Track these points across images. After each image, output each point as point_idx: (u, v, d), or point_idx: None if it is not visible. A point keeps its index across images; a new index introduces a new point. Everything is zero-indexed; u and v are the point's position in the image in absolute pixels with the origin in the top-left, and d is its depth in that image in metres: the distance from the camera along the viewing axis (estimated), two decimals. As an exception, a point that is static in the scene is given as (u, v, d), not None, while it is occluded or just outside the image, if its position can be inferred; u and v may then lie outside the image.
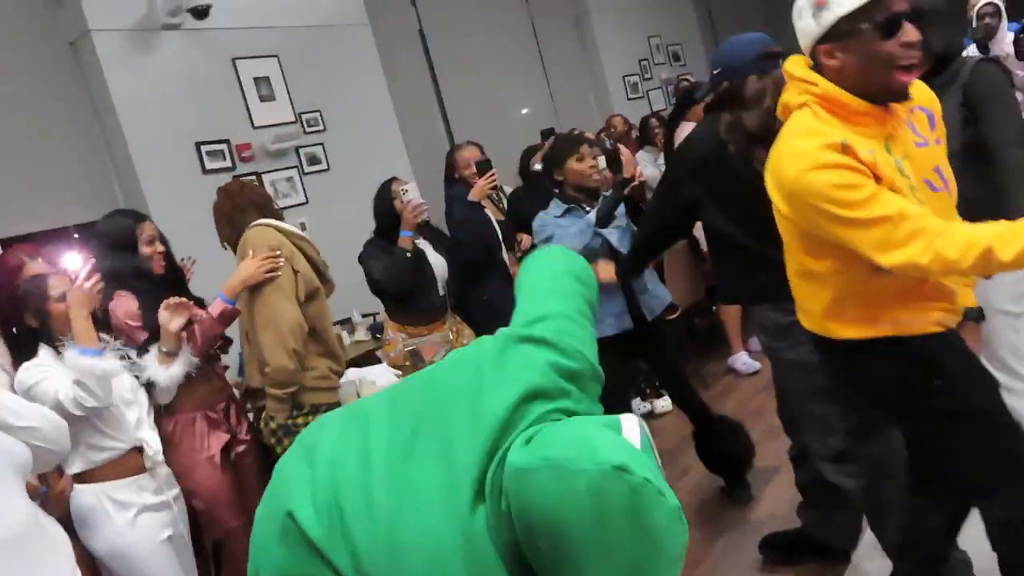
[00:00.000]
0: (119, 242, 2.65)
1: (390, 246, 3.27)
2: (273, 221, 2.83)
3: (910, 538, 1.97)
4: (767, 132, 1.91)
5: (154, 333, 2.56)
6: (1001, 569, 1.83)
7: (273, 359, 2.63)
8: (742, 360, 4.66)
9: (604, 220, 3.04)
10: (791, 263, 1.83)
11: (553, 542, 0.98)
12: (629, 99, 7.93)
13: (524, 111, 7.41)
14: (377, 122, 5.60)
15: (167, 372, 2.54)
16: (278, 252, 2.69)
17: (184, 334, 2.57)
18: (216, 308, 2.67)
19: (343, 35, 5.52)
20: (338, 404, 2.71)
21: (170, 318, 2.54)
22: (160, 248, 2.72)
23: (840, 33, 1.59)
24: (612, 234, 3.05)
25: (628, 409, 3.11)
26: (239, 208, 2.85)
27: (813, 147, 1.57)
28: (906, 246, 1.52)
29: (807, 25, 1.63)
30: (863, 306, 1.72)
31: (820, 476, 2.38)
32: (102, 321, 2.52)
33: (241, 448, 2.76)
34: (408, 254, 3.24)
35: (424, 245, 3.43)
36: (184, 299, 2.59)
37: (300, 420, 2.69)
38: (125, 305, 2.59)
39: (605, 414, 1.15)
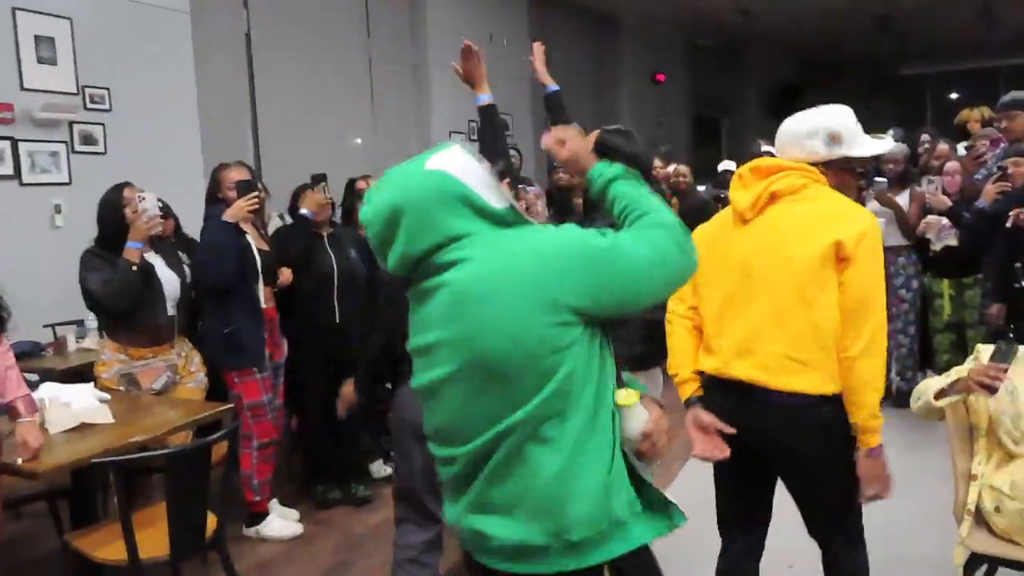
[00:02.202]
0: None
1: (113, 257, 2.98)
2: None
3: None
4: None
5: None
6: None
7: None
8: None
9: None
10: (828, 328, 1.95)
11: None
12: (452, 156, 7.92)
13: (344, 143, 7.19)
14: (175, 117, 5.19)
15: None
16: None
17: None
18: None
19: (156, 17, 5.09)
20: None
21: None
22: None
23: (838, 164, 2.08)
24: None
25: None
26: None
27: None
28: None
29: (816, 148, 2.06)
30: None
31: None
32: None
33: None
34: (134, 267, 2.94)
35: (155, 260, 3.14)
36: None
37: None
38: None
39: None
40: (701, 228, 2.19)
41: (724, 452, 2.03)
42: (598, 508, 1.36)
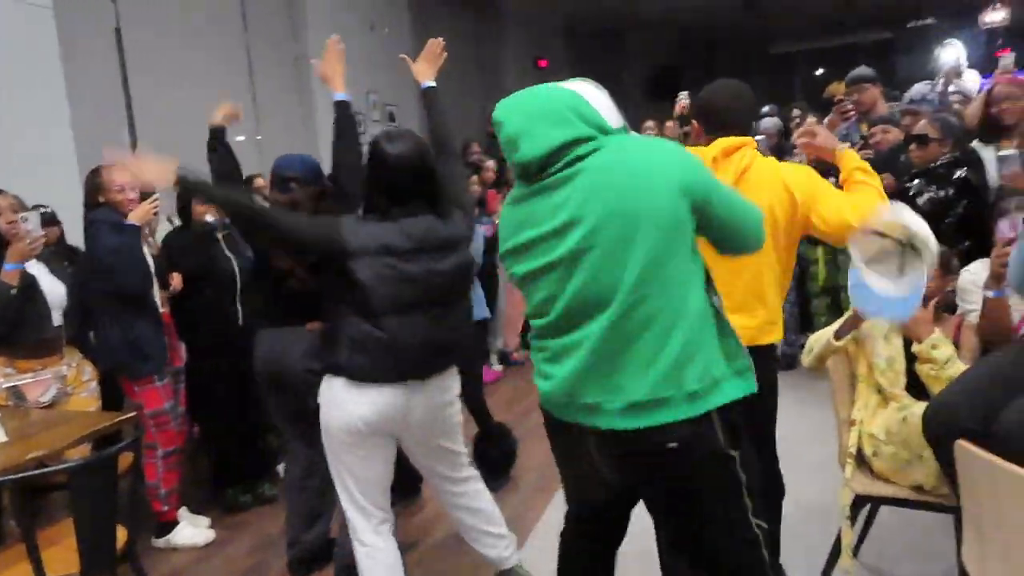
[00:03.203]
0: None
1: None
2: None
3: None
4: None
5: None
6: None
7: None
8: None
9: None
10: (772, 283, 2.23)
11: None
12: (339, 149, 7.80)
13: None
14: (44, 119, 4.92)
15: None
16: None
17: None
18: None
19: (16, 12, 4.82)
20: None
21: None
22: None
23: None
24: None
25: None
26: None
27: None
28: None
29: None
30: None
31: None
32: None
33: None
34: (13, 291, 2.82)
35: (37, 269, 3.01)
36: None
37: None
38: None
39: None
40: None
41: None
42: (705, 367, 1.65)
